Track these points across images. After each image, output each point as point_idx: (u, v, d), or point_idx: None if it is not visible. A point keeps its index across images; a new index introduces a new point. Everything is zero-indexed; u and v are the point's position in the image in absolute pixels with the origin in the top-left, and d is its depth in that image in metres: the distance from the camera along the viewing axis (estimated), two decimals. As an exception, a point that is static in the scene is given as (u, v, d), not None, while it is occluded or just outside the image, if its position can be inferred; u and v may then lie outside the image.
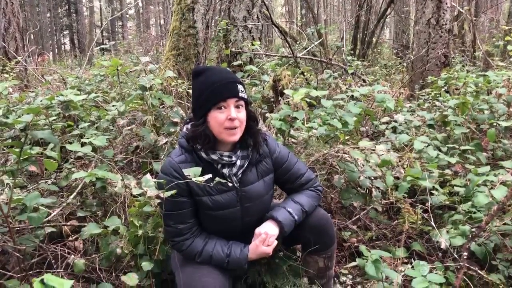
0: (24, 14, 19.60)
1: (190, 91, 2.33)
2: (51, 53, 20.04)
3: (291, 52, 5.20)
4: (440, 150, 2.64)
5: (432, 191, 2.30)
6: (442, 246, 1.99)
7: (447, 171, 2.53)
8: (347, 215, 2.63)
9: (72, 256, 1.87)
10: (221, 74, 1.65)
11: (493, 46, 7.26)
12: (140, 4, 26.72)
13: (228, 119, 1.59)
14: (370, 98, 3.50)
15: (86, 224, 1.93)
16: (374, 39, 9.94)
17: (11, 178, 1.91)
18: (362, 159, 2.35)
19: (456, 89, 3.87)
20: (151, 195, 1.64)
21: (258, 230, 1.70)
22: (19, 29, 6.76)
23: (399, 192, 2.18)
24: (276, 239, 1.70)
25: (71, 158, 2.53)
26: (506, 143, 2.84)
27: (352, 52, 9.15)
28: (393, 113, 3.34)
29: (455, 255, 2.05)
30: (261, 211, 1.79)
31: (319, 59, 6.35)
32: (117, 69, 2.92)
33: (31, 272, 1.86)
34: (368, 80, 5.45)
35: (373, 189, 2.42)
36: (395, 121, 3.11)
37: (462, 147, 2.63)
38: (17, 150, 1.75)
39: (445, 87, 3.87)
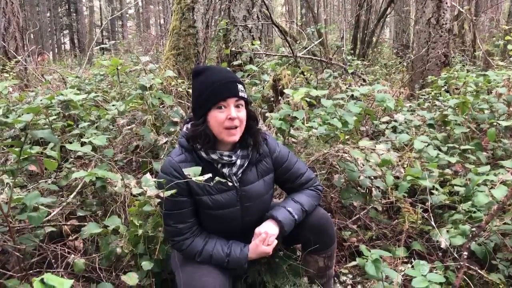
0: (24, 13, 19.60)
1: (190, 90, 2.33)
2: (51, 52, 20.04)
3: (291, 51, 5.20)
4: (440, 150, 2.64)
5: (432, 191, 2.30)
6: (442, 245, 1.99)
7: (447, 170, 2.53)
8: (347, 215, 2.63)
9: (72, 255, 1.87)
10: (221, 74, 1.65)
11: (493, 45, 7.27)
12: (140, 4, 26.71)
13: (228, 118, 1.59)
14: (370, 97, 3.50)
15: (86, 223, 1.93)
16: (374, 39, 9.94)
17: (11, 177, 1.91)
18: (362, 159, 2.35)
19: (456, 88, 3.87)
20: (151, 195, 1.64)
21: (258, 230, 1.70)
22: (19, 28, 6.76)
23: (399, 191, 2.18)
24: (276, 238, 1.70)
25: (71, 157, 2.53)
26: (506, 143, 2.84)
27: (352, 51, 9.15)
28: (393, 113, 3.34)
29: (455, 255, 2.06)
30: (261, 210, 1.79)
31: (319, 58, 6.35)
32: (117, 68, 2.92)
33: (31, 271, 1.86)
34: (368, 80, 5.45)
35: (373, 189, 2.42)
36: (395, 121, 3.11)
37: (462, 147, 2.63)
38: (17, 149, 1.75)
39: (445, 87, 3.88)
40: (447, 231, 2.04)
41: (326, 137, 2.75)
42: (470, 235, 1.91)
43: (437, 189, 2.28)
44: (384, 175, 2.33)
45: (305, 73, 4.57)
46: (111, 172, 1.87)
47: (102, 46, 6.45)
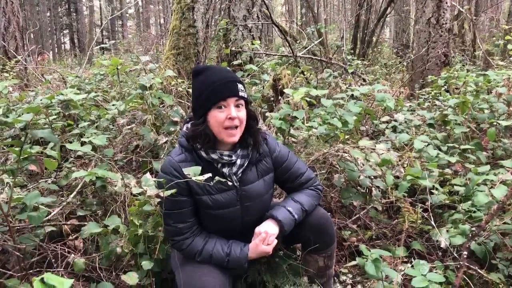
0: (24, 13, 19.59)
1: (190, 90, 2.33)
2: (51, 52, 20.04)
3: (291, 51, 5.20)
4: (440, 149, 2.64)
5: (432, 190, 2.30)
6: (442, 245, 1.99)
7: (447, 170, 2.53)
8: (347, 214, 2.64)
9: (72, 255, 1.87)
10: (221, 73, 1.65)
11: (493, 45, 7.27)
12: (140, 3, 26.71)
13: (228, 118, 1.59)
14: (370, 97, 3.50)
15: (86, 223, 1.93)
16: (374, 38, 9.94)
17: (11, 177, 1.91)
18: (362, 158, 2.35)
19: (456, 88, 3.87)
20: (151, 194, 1.64)
21: (258, 229, 1.70)
22: (19, 28, 6.76)
23: (399, 191, 2.18)
24: (276, 238, 1.70)
25: (71, 157, 2.53)
26: (506, 142, 2.84)
27: (352, 51, 9.15)
28: (393, 112, 3.34)
29: (455, 254, 2.06)
30: (261, 210, 1.79)
31: (319, 58, 6.35)
32: (117, 68, 2.92)
33: (31, 271, 1.86)
34: (368, 79, 5.45)
35: (373, 188, 2.42)
36: (395, 120, 3.11)
37: (462, 146, 2.63)
38: (17, 149, 1.75)
39: (445, 86, 3.87)
40: (447, 231, 2.04)
41: (326, 137, 2.75)
42: (470, 235, 1.91)
43: (437, 189, 2.28)
44: (384, 175, 2.33)
45: (305, 73, 4.57)
46: (111, 171, 1.87)
47: (102, 45, 6.46)
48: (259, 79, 3.91)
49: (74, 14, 26.19)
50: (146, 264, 1.76)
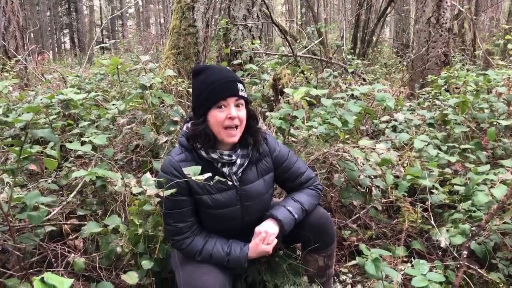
0: (24, 12, 19.59)
1: (190, 90, 2.33)
2: (51, 51, 20.03)
3: (291, 51, 5.20)
4: (440, 149, 2.64)
5: (432, 190, 2.30)
6: (442, 245, 1.99)
7: (447, 170, 2.53)
8: (347, 214, 2.64)
9: (72, 254, 1.88)
10: (221, 73, 1.65)
11: (493, 45, 7.26)
12: (140, 3, 26.71)
13: (228, 118, 1.59)
14: (370, 97, 3.50)
15: (86, 222, 1.93)
16: (374, 38, 9.93)
17: (11, 176, 1.91)
18: (362, 158, 2.35)
19: (456, 88, 3.87)
20: (151, 194, 1.64)
21: (258, 229, 1.70)
22: (19, 27, 6.76)
23: (399, 191, 2.18)
24: (276, 237, 1.70)
25: (71, 157, 2.53)
26: (506, 142, 2.84)
27: (352, 51, 9.15)
28: (393, 112, 3.34)
29: (455, 254, 2.06)
30: (261, 210, 1.79)
31: (319, 58, 6.35)
32: (117, 68, 2.92)
33: (31, 270, 1.86)
34: (368, 79, 5.45)
35: (373, 188, 2.42)
36: (395, 120, 3.11)
37: (462, 146, 2.63)
38: (17, 148, 1.75)
39: (445, 86, 3.87)
40: (447, 230, 2.04)
41: (326, 136, 2.75)
42: (470, 234, 1.91)
43: (437, 188, 2.28)
44: (384, 175, 2.34)
45: (305, 72, 4.56)
46: (111, 171, 1.87)
47: (102, 45, 6.46)
48: (259, 78, 3.91)
49: (74, 13, 26.18)
50: (146, 264, 1.76)
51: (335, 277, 2.09)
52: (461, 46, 8.43)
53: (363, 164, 2.38)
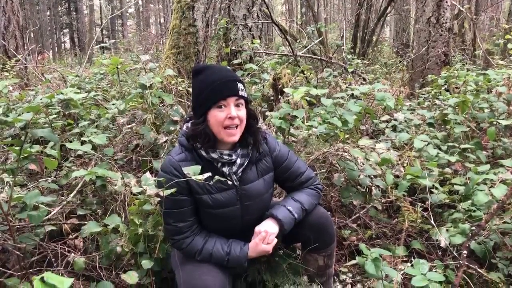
0: (24, 12, 19.58)
1: (190, 89, 2.33)
2: (51, 51, 20.04)
3: (291, 50, 5.20)
4: (440, 149, 2.64)
5: (432, 190, 2.30)
6: (442, 244, 1.99)
7: (447, 169, 2.53)
8: (347, 214, 2.64)
9: (72, 254, 1.88)
10: (221, 73, 1.65)
11: (493, 44, 7.26)
12: (140, 3, 26.70)
13: (228, 117, 1.59)
14: (370, 96, 3.50)
15: (86, 222, 1.93)
16: (374, 38, 9.92)
17: (11, 176, 1.92)
18: (362, 158, 2.35)
19: (456, 87, 3.87)
20: (151, 194, 1.64)
21: (258, 228, 1.70)
22: (19, 27, 6.75)
23: (399, 190, 2.18)
24: (276, 237, 1.70)
25: (71, 156, 2.53)
26: (506, 142, 2.84)
27: (352, 50, 9.15)
28: (393, 112, 3.34)
29: (455, 254, 2.06)
30: (261, 209, 1.79)
31: (319, 57, 6.34)
32: (117, 67, 2.92)
33: (31, 270, 1.86)
34: (368, 79, 5.45)
35: (373, 188, 2.42)
36: (395, 120, 3.11)
37: (462, 146, 2.63)
38: (17, 148, 1.75)
39: (445, 86, 3.87)
40: (447, 230, 2.04)
41: (326, 136, 2.75)
42: (470, 234, 1.91)
43: (436, 188, 2.28)
44: (384, 174, 2.34)
45: (305, 72, 4.56)
46: (111, 171, 1.87)
47: (102, 45, 6.46)
48: (259, 78, 3.91)
49: (74, 13, 26.18)
50: (146, 263, 1.76)
51: (335, 277, 2.10)
52: (461, 46, 8.42)
53: (363, 164, 2.38)
